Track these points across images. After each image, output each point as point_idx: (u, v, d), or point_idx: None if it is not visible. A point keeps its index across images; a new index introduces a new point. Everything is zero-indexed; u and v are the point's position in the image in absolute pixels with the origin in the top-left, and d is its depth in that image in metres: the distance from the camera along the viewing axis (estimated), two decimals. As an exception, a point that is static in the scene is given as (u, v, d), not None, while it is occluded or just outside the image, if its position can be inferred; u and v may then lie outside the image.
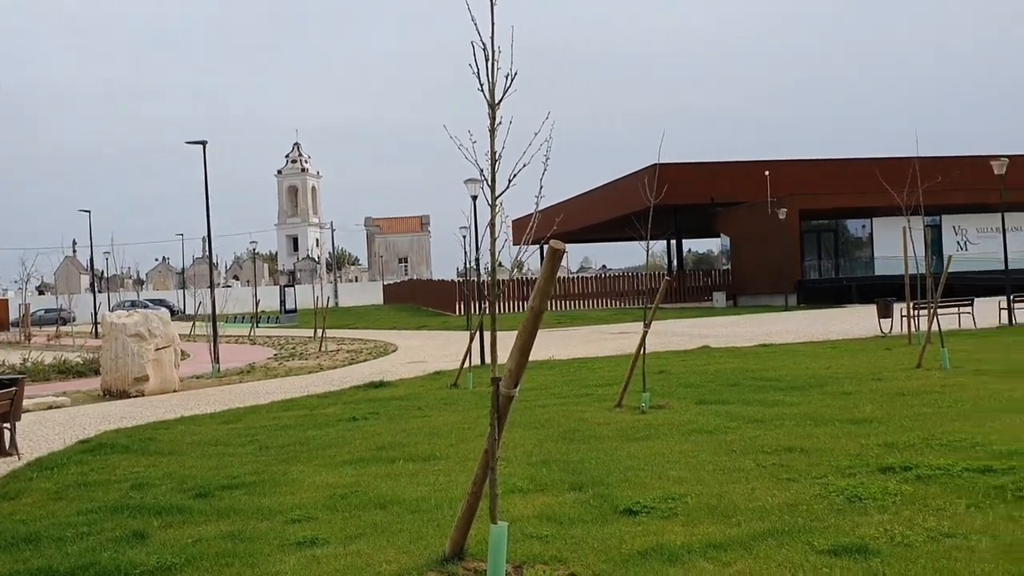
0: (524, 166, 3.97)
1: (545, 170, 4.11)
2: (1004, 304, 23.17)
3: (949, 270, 14.63)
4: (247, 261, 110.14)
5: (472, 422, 10.20)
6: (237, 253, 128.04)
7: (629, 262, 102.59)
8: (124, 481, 7.90)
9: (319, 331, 29.60)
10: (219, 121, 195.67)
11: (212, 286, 24.36)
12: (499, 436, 4.29)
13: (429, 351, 24.80)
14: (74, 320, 58.04)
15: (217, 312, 24.02)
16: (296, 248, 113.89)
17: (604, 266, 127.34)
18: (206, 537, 5.78)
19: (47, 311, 67.01)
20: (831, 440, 7.78)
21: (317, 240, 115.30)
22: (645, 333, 11.13)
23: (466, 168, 18.86)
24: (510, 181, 3.98)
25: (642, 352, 10.96)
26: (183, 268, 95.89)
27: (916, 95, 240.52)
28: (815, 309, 38.61)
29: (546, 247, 3.83)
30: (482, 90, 3.87)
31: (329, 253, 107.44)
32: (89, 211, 49.14)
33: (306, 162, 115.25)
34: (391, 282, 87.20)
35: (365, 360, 22.99)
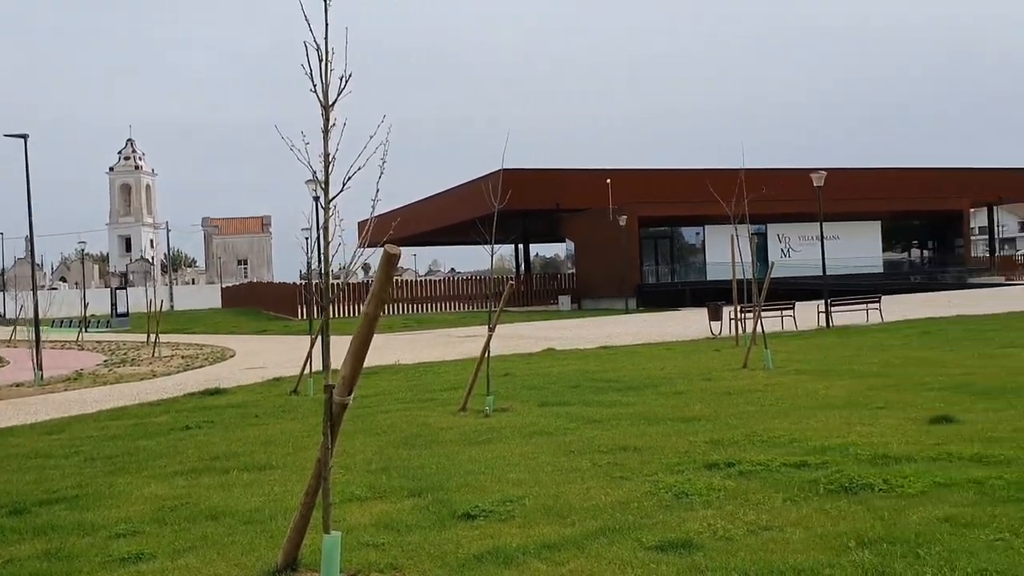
0: (359, 168, 3.93)
1: (382, 173, 4.09)
2: (822, 308, 24.75)
3: (772, 275, 15.49)
4: (75, 262, 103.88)
5: (311, 429, 9.99)
6: (65, 254, 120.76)
7: (478, 265, 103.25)
8: (-75, 501, 7.28)
9: (152, 336, 28.28)
10: (42, 115, 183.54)
11: (35, 288, 22.89)
12: (333, 445, 4.22)
13: (269, 356, 24.13)
14: None
15: (41, 316, 22.57)
16: (129, 249, 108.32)
17: (453, 269, 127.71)
18: (19, 557, 5.41)
19: None
20: (662, 438, 8.09)
21: (152, 241, 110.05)
22: (489, 337, 11.23)
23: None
24: (344, 184, 3.93)
25: (486, 356, 11.05)
26: (3, 269, 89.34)
27: (748, 111, 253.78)
28: (653, 312, 40.07)
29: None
30: (315, 91, 3.80)
31: (164, 254, 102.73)
32: None
33: (140, 159, 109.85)
34: (230, 285, 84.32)
35: (201, 366, 22.14)
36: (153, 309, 30.74)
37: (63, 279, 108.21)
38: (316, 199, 19.20)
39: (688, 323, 28.59)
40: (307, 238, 19.58)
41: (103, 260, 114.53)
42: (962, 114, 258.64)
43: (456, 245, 77.92)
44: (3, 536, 5.97)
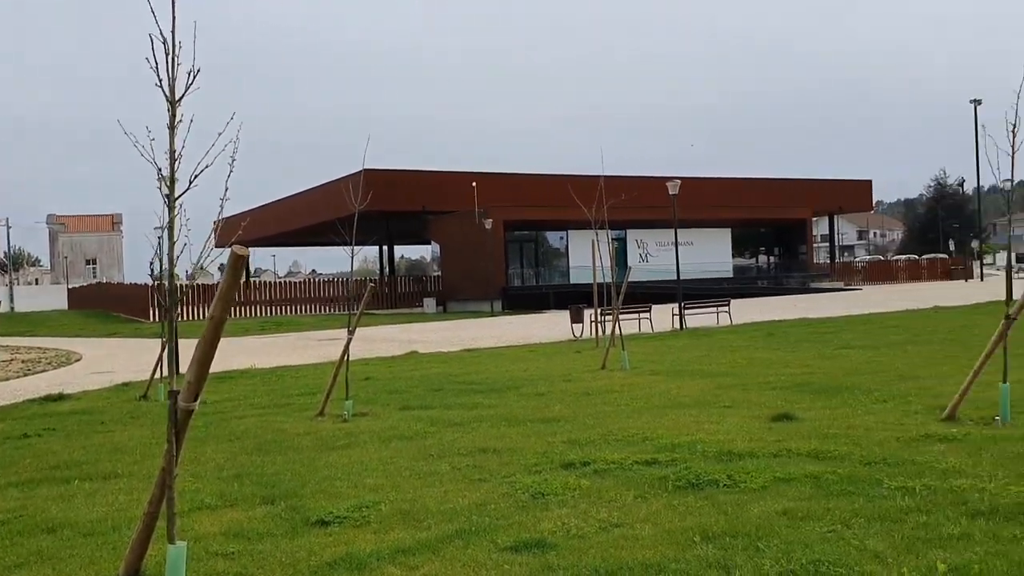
0: (207, 166, 3.80)
1: (231, 172, 3.97)
2: (677, 311, 25.65)
3: (630, 279, 15.96)
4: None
5: (160, 436, 9.52)
6: None
7: (341, 267, 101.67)
8: None
9: (-13, 339, 26.50)
10: None
11: None
12: (178, 452, 4.06)
13: (118, 360, 23.02)
14: None
15: None
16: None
17: (314, 271, 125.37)
18: None
19: None
20: (522, 439, 8.19)
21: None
22: (349, 340, 11.07)
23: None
24: (191, 182, 3.79)
25: (346, 359, 10.88)
26: None
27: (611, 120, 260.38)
28: (518, 315, 40.52)
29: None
30: (160, 86, 3.66)
31: (4, 252, 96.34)
32: None
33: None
34: (78, 285, 79.89)
35: (43, 371, 20.87)
36: (-12, 311, 28.82)
37: None
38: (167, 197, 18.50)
39: (551, 326, 29.05)
40: (159, 238, 18.83)
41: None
42: (811, 129, 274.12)
43: (318, 246, 76.48)
44: None
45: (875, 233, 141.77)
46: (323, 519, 5.66)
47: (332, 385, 10.83)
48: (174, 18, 3.69)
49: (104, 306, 55.72)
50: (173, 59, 3.72)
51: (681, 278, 28.57)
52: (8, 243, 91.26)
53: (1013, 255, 12.83)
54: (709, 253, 53.06)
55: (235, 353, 21.93)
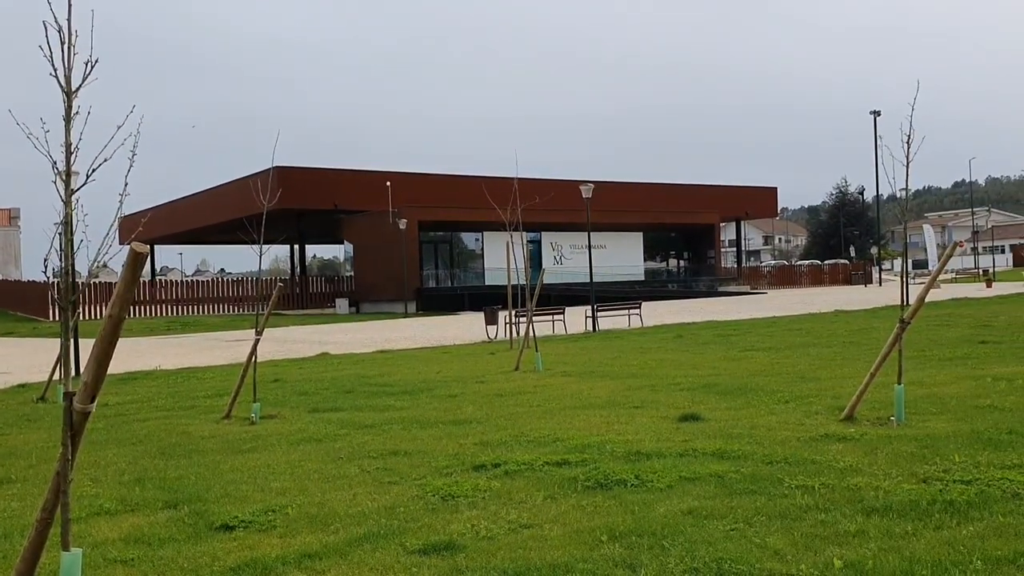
0: (105, 160, 3.67)
1: (131, 167, 3.84)
2: (589, 313, 25.95)
3: (544, 282, 16.07)
4: None
5: (58, 440, 9.19)
6: None
7: (251, 266, 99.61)
8: None
9: None
10: None
11: None
12: (74, 456, 3.91)
13: (14, 361, 22.08)
14: None
15: None
16: None
17: (223, 270, 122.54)
18: None
19: None
20: (434, 441, 8.15)
21: None
22: (257, 340, 10.84)
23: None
24: (88, 176, 3.66)
25: (254, 360, 10.66)
26: None
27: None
28: (433, 316, 40.38)
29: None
30: (56, 75, 3.52)
31: None
32: None
33: None
34: (-30, 282, 76.25)
35: (-70, 372, 19.87)
36: None
37: None
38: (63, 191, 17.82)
39: (466, 327, 29.04)
40: (60, 233, 18.14)
41: None
42: (711, 138, 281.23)
43: (226, 244, 74.79)
44: None
45: (780, 239, 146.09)
46: (228, 524, 5.53)
47: (239, 387, 10.60)
48: (70, 5, 3.56)
49: (0, 304, 53.42)
50: (69, 48, 3.58)
51: (594, 281, 28.90)
52: None
53: (909, 262, 13.37)
54: (621, 256, 53.86)
55: (139, 353, 21.28)
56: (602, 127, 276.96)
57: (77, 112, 3.57)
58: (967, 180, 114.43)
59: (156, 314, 46.45)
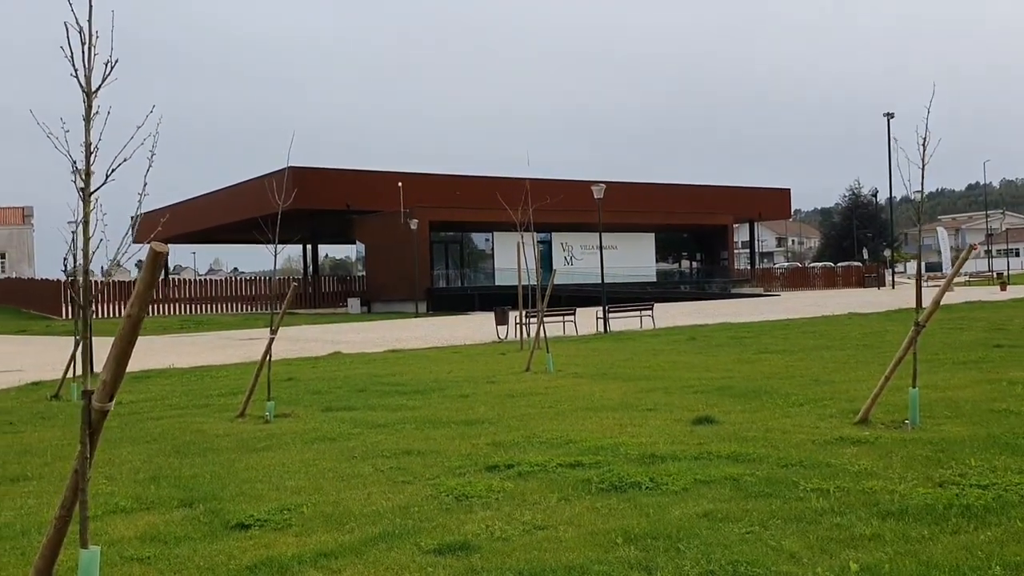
0: (125, 160, 3.69)
1: (150, 166, 3.86)
2: (601, 314, 25.91)
3: (555, 283, 16.05)
4: None
5: (73, 438, 9.28)
6: None
7: (264, 265, 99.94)
8: None
9: None
10: None
11: None
12: (92, 454, 3.92)
13: (28, 359, 22.21)
14: None
15: None
16: None
17: (236, 269, 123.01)
18: None
19: None
20: (446, 441, 8.16)
21: None
22: (271, 339, 10.88)
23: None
24: (108, 176, 3.68)
25: (268, 359, 10.69)
26: None
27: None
28: (443, 316, 40.41)
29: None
30: (76, 76, 3.54)
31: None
32: None
33: None
34: (-15, 280, 76.76)
35: (-55, 369, 20.02)
36: None
37: None
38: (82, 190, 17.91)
39: (476, 327, 29.04)
40: (74, 232, 18.24)
41: None
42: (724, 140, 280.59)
43: (240, 244, 75.05)
44: None
45: (793, 240, 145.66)
46: (243, 522, 5.55)
47: (253, 385, 10.63)
48: (91, 6, 3.58)
49: (13, 302, 53.73)
50: (90, 49, 3.60)
51: (605, 282, 28.85)
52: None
53: (922, 264, 13.31)
54: (633, 257, 53.78)
55: (153, 352, 21.36)
56: (602, 127, 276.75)
57: (96, 112, 3.59)
58: (981, 182, 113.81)
59: (170, 312, 46.66)
